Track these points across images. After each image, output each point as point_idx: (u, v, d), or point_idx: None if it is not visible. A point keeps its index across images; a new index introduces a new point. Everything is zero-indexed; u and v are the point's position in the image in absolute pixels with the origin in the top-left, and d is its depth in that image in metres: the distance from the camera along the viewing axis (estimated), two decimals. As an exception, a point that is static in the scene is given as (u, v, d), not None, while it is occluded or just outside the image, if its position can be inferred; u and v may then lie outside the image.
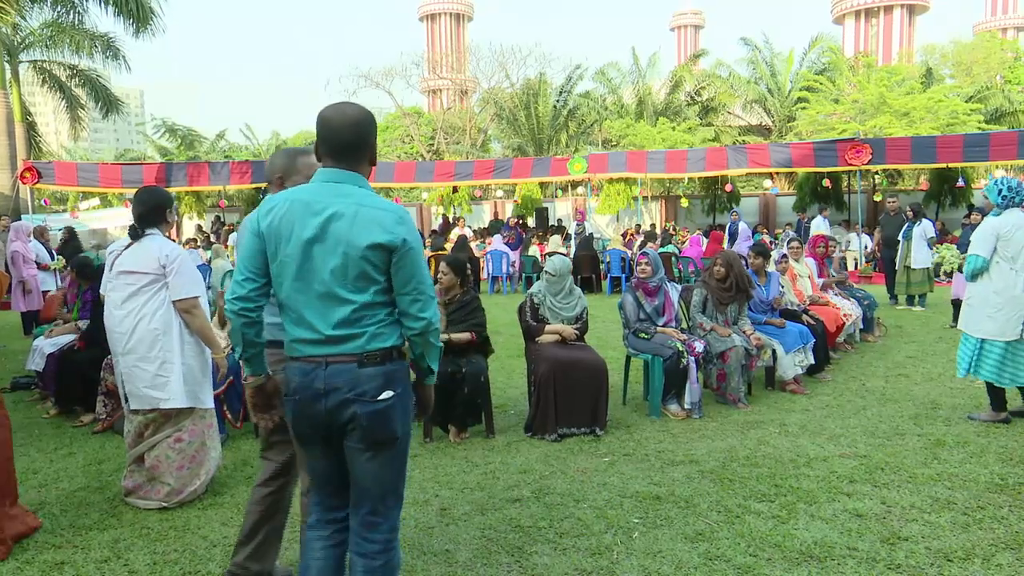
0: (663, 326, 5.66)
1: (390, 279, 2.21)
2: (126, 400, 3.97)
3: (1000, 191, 4.99)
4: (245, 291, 2.27)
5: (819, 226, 14.53)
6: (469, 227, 20.71)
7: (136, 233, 3.85)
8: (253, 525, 2.92)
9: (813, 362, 6.36)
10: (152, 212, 3.82)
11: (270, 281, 2.28)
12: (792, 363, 6.09)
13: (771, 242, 15.70)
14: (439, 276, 5.18)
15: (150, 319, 3.76)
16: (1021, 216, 4.94)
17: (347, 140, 2.24)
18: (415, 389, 2.39)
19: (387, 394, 2.21)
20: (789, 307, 6.83)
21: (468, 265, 5.40)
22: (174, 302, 3.77)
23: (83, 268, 6.09)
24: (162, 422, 3.90)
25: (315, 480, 2.42)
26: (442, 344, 2.31)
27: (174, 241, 4.17)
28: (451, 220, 21.50)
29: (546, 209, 24.25)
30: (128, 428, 4.00)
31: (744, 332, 5.87)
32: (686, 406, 5.44)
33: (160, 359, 3.78)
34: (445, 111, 41.30)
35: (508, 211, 25.20)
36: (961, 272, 5.36)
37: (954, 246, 5.73)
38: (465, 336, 5.04)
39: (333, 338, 2.19)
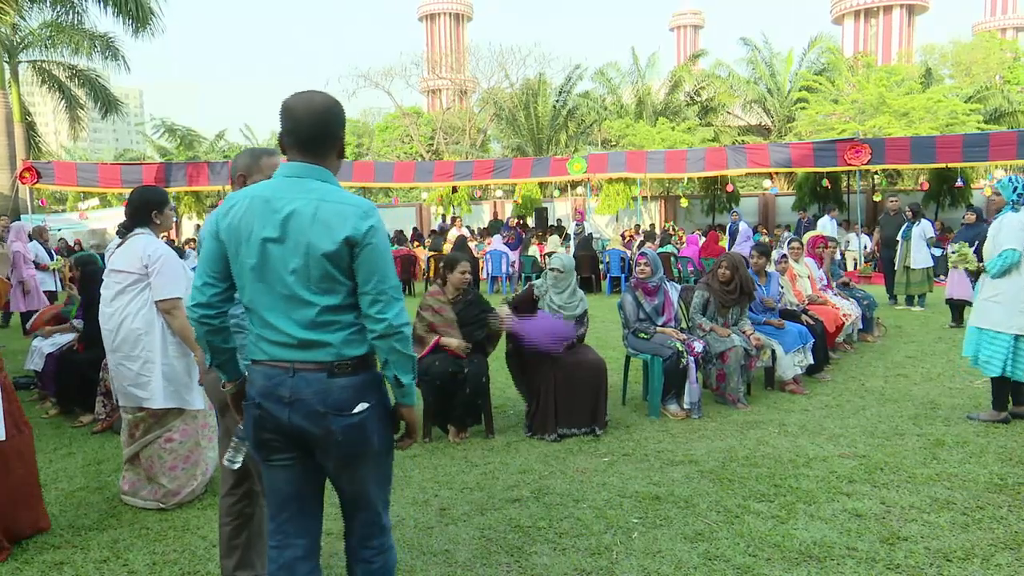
0: (662, 326, 5.67)
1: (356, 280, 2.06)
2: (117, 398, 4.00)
3: (1016, 188, 4.99)
4: (205, 297, 2.14)
5: (824, 226, 14.16)
6: (467, 227, 20.68)
7: (122, 232, 3.87)
8: (229, 536, 2.89)
9: (812, 362, 6.36)
10: (138, 212, 3.83)
11: (234, 285, 2.14)
12: (792, 363, 6.09)
13: (771, 242, 15.68)
14: (459, 274, 5.11)
15: (133, 318, 3.77)
16: None
17: (313, 131, 2.08)
18: (395, 412, 2.22)
19: (362, 406, 2.06)
20: (788, 307, 6.83)
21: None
22: (156, 302, 3.77)
23: (84, 266, 6.08)
24: (151, 422, 3.91)
25: (273, 503, 2.21)
26: (414, 355, 2.13)
27: (173, 241, 4.17)
28: (448, 220, 21.49)
29: (545, 209, 24.27)
30: (122, 427, 4.02)
31: (744, 332, 5.88)
32: (685, 406, 5.43)
33: (143, 358, 3.79)
34: (444, 111, 41.32)
35: (507, 211, 25.22)
36: (976, 273, 5.27)
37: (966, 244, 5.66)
38: (463, 344, 5.00)
39: (304, 342, 2.05)
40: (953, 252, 5.45)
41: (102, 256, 5.85)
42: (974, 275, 5.34)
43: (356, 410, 2.06)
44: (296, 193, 2.05)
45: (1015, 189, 5.00)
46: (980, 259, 5.23)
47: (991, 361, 5.02)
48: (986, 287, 5.09)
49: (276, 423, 2.08)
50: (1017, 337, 4.92)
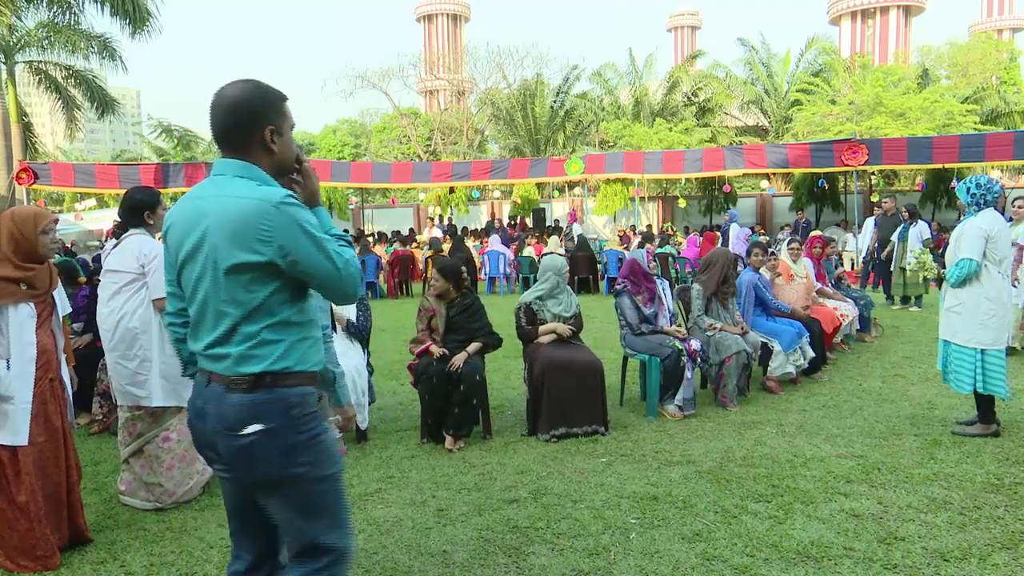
0: (662, 328, 5.69)
1: (273, 288, 1.88)
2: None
3: (968, 189, 4.69)
4: (173, 308, 2.12)
5: (868, 228, 13.28)
6: (441, 228, 20.50)
7: (117, 232, 3.95)
8: None
9: (813, 354, 6.37)
10: (131, 213, 3.88)
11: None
12: (788, 361, 6.11)
13: (769, 242, 15.50)
14: (431, 282, 5.18)
15: (130, 318, 3.81)
16: (1000, 217, 4.71)
17: (223, 126, 1.93)
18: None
19: (251, 428, 1.87)
20: (781, 308, 6.80)
21: (465, 268, 5.39)
22: (153, 301, 3.81)
23: (67, 273, 6.05)
24: (149, 421, 3.92)
25: (227, 512, 2.15)
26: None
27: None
28: (440, 221, 21.43)
29: (543, 210, 24.29)
30: (119, 427, 4.02)
31: (738, 323, 5.96)
32: (678, 403, 5.44)
33: (140, 357, 3.82)
34: (442, 112, 41.36)
35: (505, 212, 25.23)
36: (939, 280, 4.92)
37: (928, 251, 5.39)
38: (476, 346, 5.07)
39: (208, 354, 1.94)
40: (916, 259, 5.25)
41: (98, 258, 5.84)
42: (938, 282, 5.07)
43: (245, 431, 1.88)
44: (213, 190, 1.93)
45: (968, 190, 4.70)
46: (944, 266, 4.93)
47: (960, 377, 4.73)
48: (948, 296, 4.79)
49: (198, 434, 2.03)
50: (983, 351, 4.65)
